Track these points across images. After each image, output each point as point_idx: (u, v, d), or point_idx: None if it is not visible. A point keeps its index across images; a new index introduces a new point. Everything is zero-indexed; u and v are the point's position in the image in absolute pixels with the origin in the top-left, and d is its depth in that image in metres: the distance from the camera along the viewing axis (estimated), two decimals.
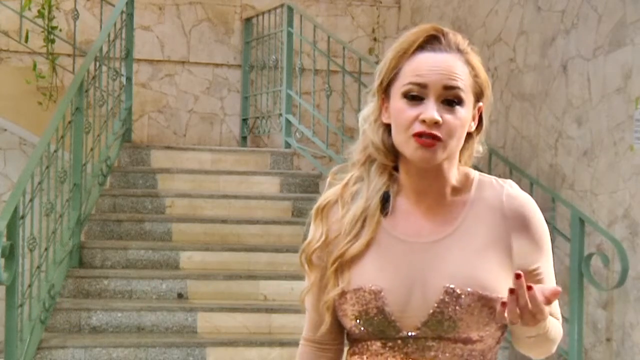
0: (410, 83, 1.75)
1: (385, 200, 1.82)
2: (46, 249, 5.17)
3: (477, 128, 1.84)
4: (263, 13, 7.85)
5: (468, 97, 1.77)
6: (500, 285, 1.75)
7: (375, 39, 8.45)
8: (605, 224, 5.34)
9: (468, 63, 1.79)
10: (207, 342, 5.32)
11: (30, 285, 4.97)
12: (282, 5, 7.43)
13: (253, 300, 5.78)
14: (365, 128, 1.85)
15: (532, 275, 1.80)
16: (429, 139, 1.72)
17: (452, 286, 1.73)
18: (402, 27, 8.48)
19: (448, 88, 1.74)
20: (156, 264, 5.90)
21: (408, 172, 1.81)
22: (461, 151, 1.83)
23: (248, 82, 8.12)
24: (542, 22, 6.22)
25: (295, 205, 6.64)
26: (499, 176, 1.90)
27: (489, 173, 6.33)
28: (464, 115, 1.76)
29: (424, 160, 1.74)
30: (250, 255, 6.06)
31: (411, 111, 1.74)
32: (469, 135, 1.82)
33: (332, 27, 8.11)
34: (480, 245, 1.78)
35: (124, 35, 6.83)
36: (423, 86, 1.74)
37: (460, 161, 1.84)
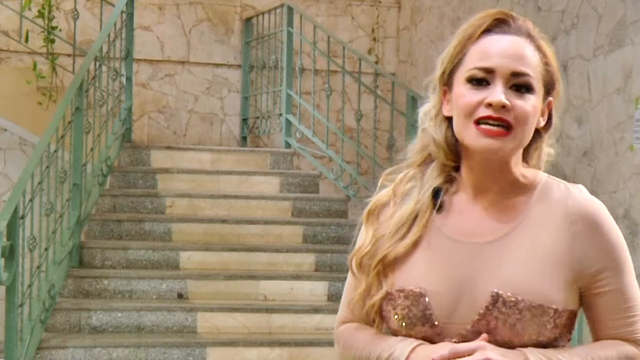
0: (476, 68, 1.61)
1: (435, 196, 1.68)
2: (46, 249, 5.17)
3: (545, 126, 1.69)
4: (263, 13, 7.85)
5: (538, 85, 1.63)
6: (555, 294, 1.61)
7: (375, 39, 8.45)
8: None
9: (539, 49, 1.65)
10: (207, 342, 5.32)
11: (30, 285, 4.97)
12: (282, 5, 7.43)
13: (253, 300, 5.77)
14: (426, 125, 1.70)
15: (596, 287, 1.64)
16: (496, 126, 1.58)
17: (500, 292, 1.59)
18: (402, 27, 8.49)
19: (517, 74, 1.60)
20: (156, 264, 5.90)
21: (471, 168, 1.66)
22: (529, 151, 1.69)
23: (248, 82, 8.11)
24: (542, 22, 6.22)
25: (295, 205, 6.64)
26: None
27: None
28: (535, 103, 1.61)
29: (489, 150, 1.59)
30: (250, 255, 6.05)
31: (475, 95, 1.60)
32: (538, 133, 1.67)
33: (332, 27, 8.11)
34: (537, 250, 1.62)
35: (124, 35, 6.83)
36: (490, 71, 1.60)
37: (528, 163, 1.70)
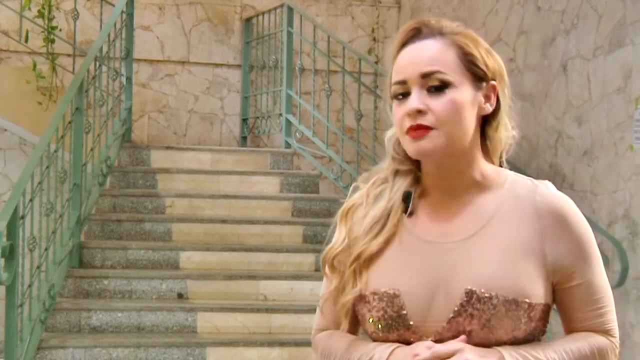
0: (393, 84, 1.68)
1: (406, 199, 1.72)
2: (46, 249, 5.16)
3: (494, 111, 1.71)
4: (263, 13, 7.85)
5: (458, 78, 1.65)
6: (528, 288, 1.63)
7: (375, 39, 8.45)
8: (605, 224, 5.34)
9: (454, 44, 1.68)
10: (207, 342, 5.32)
11: (30, 285, 4.97)
12: (282, 5, 7.43)
13: (253, 300, 5.77)
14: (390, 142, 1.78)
15: (567, 281, 1.68)
16: (418, 130, 1.64)
17: (473, 289, 1.61)
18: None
19: (426, 75, 1.64)
20: (156, 264, 5.90)
21: (428, 173, 1.72)
22: (484, 142, 1.72)
23: (248, 82, 8.12)
24: (542, 22, 6.22)
25: (295, 205, 6.64)
26: None
27: None
28: (456, 97, 1.64)
29: (420, 153, 1.65)
30: (250, 255, 6.05)
31: (399, 109, 1.67)
32: (487, 122, 1.71)
33: (332, 27, 8.11)
34: (508, 245, 1.65)
35: (124, 35, 6.83)
36: (403, 82, 1.66)
37: (488, 153, 1.73)
